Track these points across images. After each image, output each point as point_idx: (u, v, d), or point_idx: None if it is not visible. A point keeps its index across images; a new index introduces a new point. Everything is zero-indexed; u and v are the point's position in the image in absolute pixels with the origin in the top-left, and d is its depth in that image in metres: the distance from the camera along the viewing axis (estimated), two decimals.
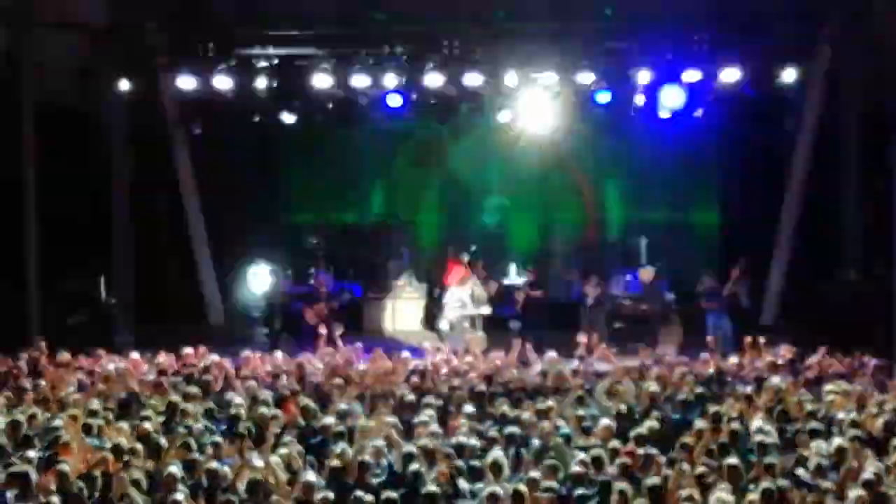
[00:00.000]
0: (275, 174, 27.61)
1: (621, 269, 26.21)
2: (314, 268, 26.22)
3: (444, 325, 23.71)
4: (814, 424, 14.33)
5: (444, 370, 18.14)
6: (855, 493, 11.71)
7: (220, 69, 23.13)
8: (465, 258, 24.39)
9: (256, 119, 24.88)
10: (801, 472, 12.85)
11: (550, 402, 15.62)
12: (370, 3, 23.49)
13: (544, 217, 27.92)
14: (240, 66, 23.25)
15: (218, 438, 13.83)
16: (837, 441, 13.49)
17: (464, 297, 23.55)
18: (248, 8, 23.76)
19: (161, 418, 15.03)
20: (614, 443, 13.88)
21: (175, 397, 15.77)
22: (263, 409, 15.18)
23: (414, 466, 12.66)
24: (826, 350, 18.77)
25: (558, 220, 27.91)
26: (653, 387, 16.49)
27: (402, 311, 26.02)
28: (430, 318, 24.95)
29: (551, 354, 19.27)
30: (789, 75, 22.65)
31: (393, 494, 11.74)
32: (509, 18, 23.26)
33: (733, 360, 19.24)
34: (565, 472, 12.83)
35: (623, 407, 15.63)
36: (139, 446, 13.42)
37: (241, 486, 12.23)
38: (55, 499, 11.60)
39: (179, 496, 11.68)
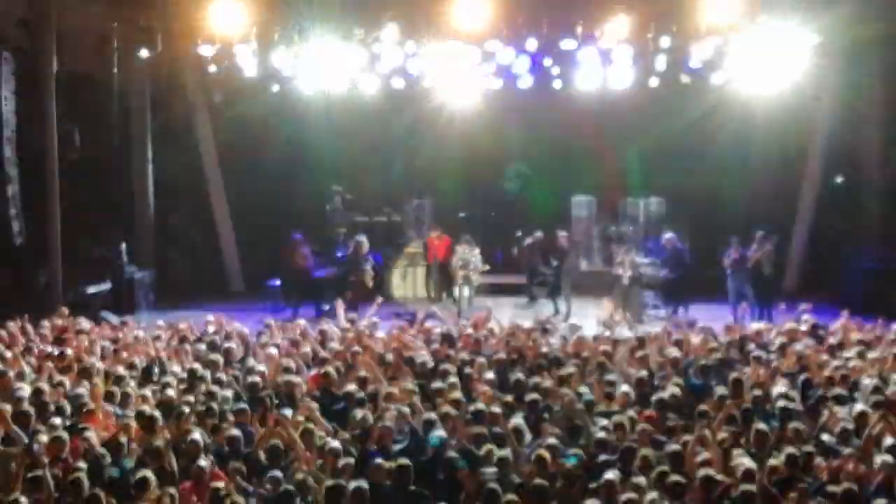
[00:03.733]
0: (296, 143, 27.58)
1: (644, 236, 26.29)
2: (340, 237, 26.31)
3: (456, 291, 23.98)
4: (836, 391, 14.33)
5: (465, 337, 18.13)
6: (879, 458, 11.70)
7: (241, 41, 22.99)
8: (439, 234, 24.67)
9: (276, 88, 24.85)
10: (824, 437, 12.85)
11: (571, 369, 15.63)
12: None
13: (565, 185, 27.83)
14: (259, 36, 23.05)
15: (240, 405, 13.89)
16: (859, 407, 13.46)
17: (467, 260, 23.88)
18: None
19: (183, 385, 15.11)
20: (635, 409, 13.93)
21: (197, 365, 15.85)
22: (286, 377, 15.25)
23: (435, 433, 12.66)
24: (848, 316, 18.75)
25: (580, 188, 27.83)
26: (674, 353, 16.49)
27: (417, 277, 26.06)
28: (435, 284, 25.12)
29: (572, 321, 19.28)
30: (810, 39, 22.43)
31: (416, 461, 11.80)
32: None
33: (755, 326, 19.22)
34: (587, 439, 12.87)
35: (644, 373, 15.60)
36: (160, 414, 13.50)
37: (263, 453, 12.30)
38: (81, 464, 11.72)
39: (203, 462, 11.77)
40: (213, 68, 23.91)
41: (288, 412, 13.57)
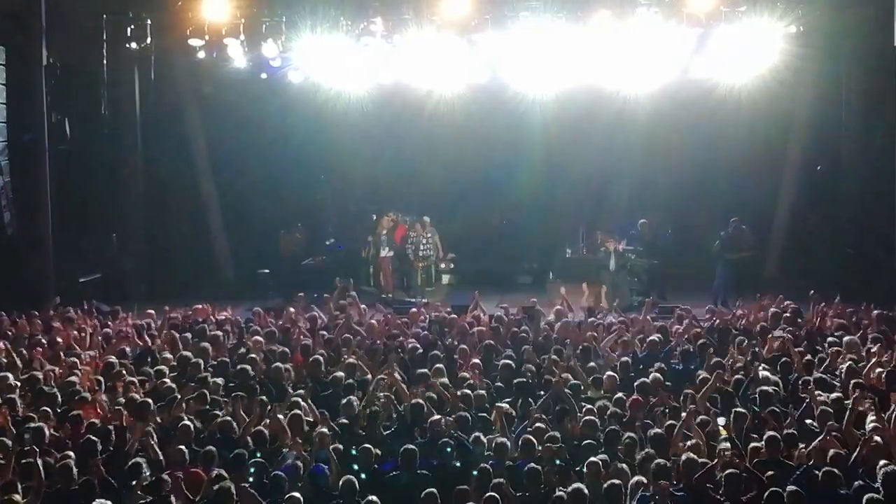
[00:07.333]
0: (285, 133, 27.61)
1: (626, 223, 26.44)
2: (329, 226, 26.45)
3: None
4: (816, 375, 14.52)
5: (452, 323, 18.31)
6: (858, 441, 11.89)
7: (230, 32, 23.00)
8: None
9: (264, 76, 24.89)
10: (803, 421, 13.03)
11: (556, 355, 15.82)
12: None
13: (550, 172, 27.90)
14: (248, 27, 23.06)
15: (233, 392, 14.06)
16: (838, 391, 13.64)
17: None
18: None
19: (174, 373, 15.26)
20: (619, 394, 14.11)
21: (188, 352, 16.00)
22: (275, 364, 15.41)
23: (422, 418, 12.84)
24: (828, 301, 18.90)
25: (564, 175, 27.95)
26: (656, 338, 16.68)
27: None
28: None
29: (558, 307, 19.43)
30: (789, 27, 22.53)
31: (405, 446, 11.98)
32: None
33: (737, 311, 19.39)
34: (573, 423, 13.05)
35: (627, 358, 15.80)
36: (152, 401, 13.67)
37: (251, 439, 12.47)
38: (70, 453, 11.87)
39: (193, 447, 11.94)
40: (202, 58, 23.95)
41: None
